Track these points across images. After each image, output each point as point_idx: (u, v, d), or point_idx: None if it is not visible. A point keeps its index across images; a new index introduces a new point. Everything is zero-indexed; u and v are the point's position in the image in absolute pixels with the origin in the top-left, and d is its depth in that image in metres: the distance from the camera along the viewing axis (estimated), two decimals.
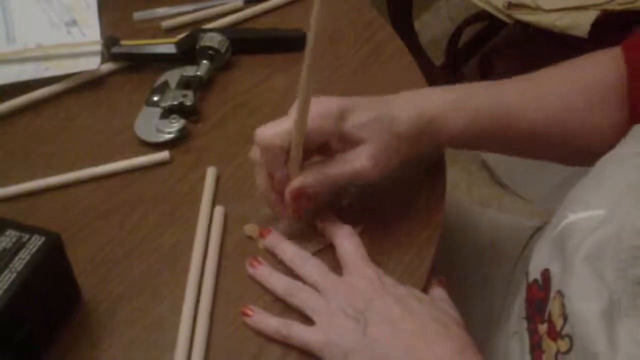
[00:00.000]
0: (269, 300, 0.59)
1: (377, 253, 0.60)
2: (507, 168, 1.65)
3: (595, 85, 0.63)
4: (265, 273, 0.59)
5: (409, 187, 0.67)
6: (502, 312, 0.73)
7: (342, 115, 0.58)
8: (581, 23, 1.31)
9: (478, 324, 0.69)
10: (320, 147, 0.59)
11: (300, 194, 0.58)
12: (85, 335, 0.57)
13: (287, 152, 0.57)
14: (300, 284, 0.58)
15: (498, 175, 1.66)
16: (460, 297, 0.60)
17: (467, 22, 1.84)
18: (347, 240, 0.60)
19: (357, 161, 0.58)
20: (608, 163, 0.54)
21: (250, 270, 0.60)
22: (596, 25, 1.30)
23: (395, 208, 0.65)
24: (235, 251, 0.63)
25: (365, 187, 0.66)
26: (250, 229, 0.63)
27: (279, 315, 0.58)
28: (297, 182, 0.57)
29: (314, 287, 0.57)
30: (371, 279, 0.56)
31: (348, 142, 0.58)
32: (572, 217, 0.51)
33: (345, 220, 0.63)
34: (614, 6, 1.33)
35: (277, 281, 0.59)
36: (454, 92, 0.63)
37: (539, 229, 0.80)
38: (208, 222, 0.64)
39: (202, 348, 0.56)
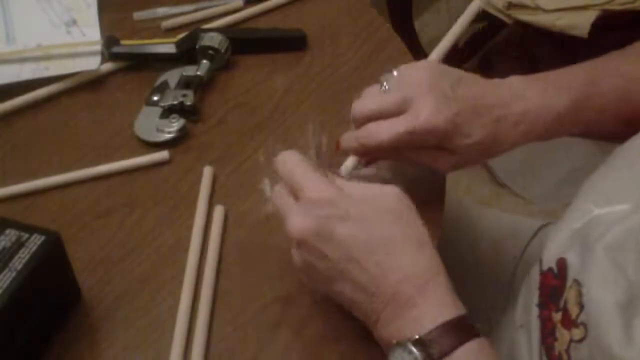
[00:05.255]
0: (268, 300, 0.59)
1: None
2: (507, 168, 1.65)
3: None
4: None
5: (409, 186, 0.67)
6: (504, 310, 0.73)
7: (446, 135, 0.58)
8: (581, 23, 1.31)
9: (478, 323, 0.69)
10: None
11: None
12: (85, 335, 0.57)
13: None
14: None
15: (498, 175, 1.66)
16: (460, 297, 0.60)
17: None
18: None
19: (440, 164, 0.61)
20: (635, 156, 0.54)
21: None
22: (596, 25, 1.30)
23: None
24: (235, 251, 0.63)
25: None
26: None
27: (278, 316, 0.58)
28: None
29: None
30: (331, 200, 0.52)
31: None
32: (597, 212, 0.51)
33: None
34: (614, 6, 1.33)
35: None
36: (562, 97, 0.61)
37: (544, 225, 0.80)
38: (204, 222, 0.64)
39: (202, 348, 0.56)
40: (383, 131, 0.58)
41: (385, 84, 0.61)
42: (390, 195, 0.53)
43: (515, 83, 0.62)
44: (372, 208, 0.52)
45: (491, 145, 0.59)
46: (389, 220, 0.51)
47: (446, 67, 0.62)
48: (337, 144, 0.63)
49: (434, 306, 0.49)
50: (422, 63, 0.62)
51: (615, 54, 0.65)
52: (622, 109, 0.62)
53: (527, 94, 0.60)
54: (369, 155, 0.62)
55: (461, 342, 0.47)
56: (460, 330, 0.48)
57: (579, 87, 0.61)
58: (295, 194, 0.54)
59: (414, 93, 0.58)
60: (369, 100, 0.60)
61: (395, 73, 0.61)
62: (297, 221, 0.51)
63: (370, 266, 0.50)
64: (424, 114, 0.57)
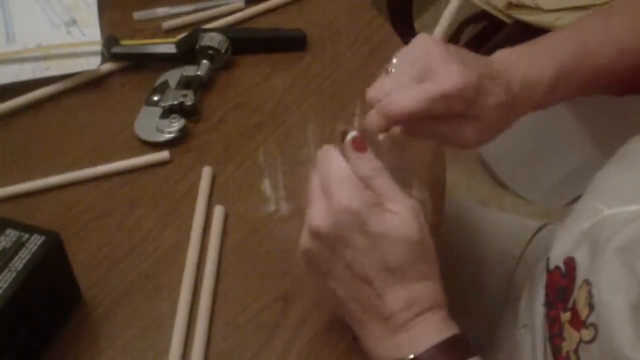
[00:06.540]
0: (268, 301, 0.59)
1: None
2: (507, 167, 1.65)
3: None
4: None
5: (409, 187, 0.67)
6: (503, 310, 0.73)
7: (474, 95, 0.54)
8: None
9: (478, 323, 0.69)
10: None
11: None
12: (85, 335, 0.57)
13: None
14: None
15: (498, 175, 1.66)
16: (460, 297, 0.60)
17: (467, 22, 1.84)
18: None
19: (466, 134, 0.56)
20: None
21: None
22: None
23: None
24: (234, 251, 0.63)
25: None
26: None
27: (278, 316, 0.58)
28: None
29: None
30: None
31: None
32: (607, 212, 0.51)
33: None
34: None
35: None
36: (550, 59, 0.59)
37: (544, 226, 0.80)
38: (204, 222, 0.64)
39: (202, 348, 0.56)
40: (406, 97, 0.53)
41: (391, 69, 0.57)
42: (413, 226, 0.50)
43: (505, 57, 0.60)
44: (392, 231, 0.50)
45: (509, 110, 0.57)
46: (404, 250, 0.49)
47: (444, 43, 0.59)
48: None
49: (428, 330, 0.49)
50: (420, 40, 0.58)
51: (601, 11, 0.64)
52: (616, 63, 0.60)
53: (519, 64, 0.58)
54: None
55: None
56: (456, 349, 0.48)
57: (570, 49, 0.59)
58: (325, 191, 0.51)
59: (430, 63, 0.54)
60: (383, 81, 0.56)
61: (396, 59, 0.57)
62: (316, 218, 0.50)
63: (376, 284, 0.49)
64: (451, 76, 0.53)
